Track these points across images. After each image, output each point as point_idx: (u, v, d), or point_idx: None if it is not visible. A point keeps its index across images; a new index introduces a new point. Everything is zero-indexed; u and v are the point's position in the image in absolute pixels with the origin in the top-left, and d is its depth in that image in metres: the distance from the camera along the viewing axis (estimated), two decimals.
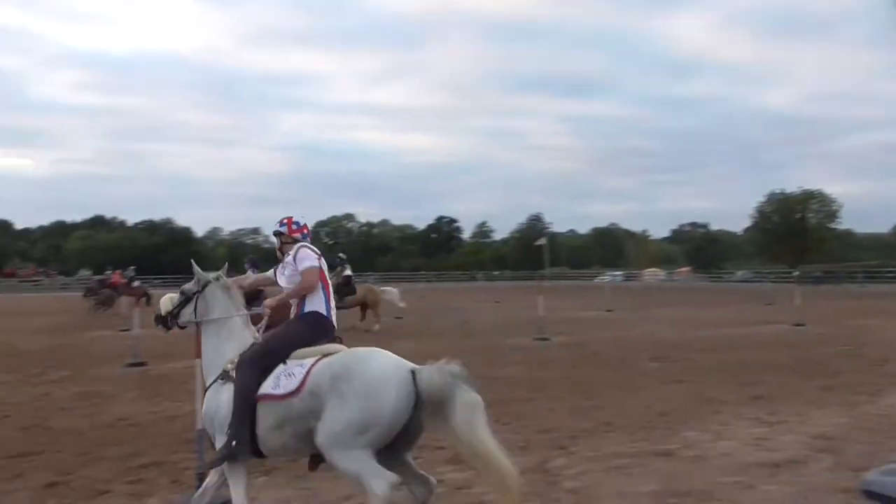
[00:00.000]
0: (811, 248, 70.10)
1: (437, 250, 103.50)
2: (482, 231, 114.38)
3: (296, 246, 4.58)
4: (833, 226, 73.08)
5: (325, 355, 4.12)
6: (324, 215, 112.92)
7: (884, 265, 65.43)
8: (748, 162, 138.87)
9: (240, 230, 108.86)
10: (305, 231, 4.83)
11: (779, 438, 6.31)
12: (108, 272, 27.01)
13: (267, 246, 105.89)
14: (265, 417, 3.96)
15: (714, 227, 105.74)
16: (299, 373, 3.99)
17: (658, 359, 11.78)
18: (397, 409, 3.85)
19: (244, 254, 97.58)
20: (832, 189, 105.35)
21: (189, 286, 4.63)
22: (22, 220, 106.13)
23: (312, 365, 4.01)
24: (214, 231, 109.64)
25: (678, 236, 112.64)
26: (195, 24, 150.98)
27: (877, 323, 18.99)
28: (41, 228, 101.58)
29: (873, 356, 11.92)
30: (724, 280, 68.32)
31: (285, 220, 4.80)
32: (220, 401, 4.10)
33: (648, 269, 79.68)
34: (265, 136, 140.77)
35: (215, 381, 4.23)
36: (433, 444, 6.04)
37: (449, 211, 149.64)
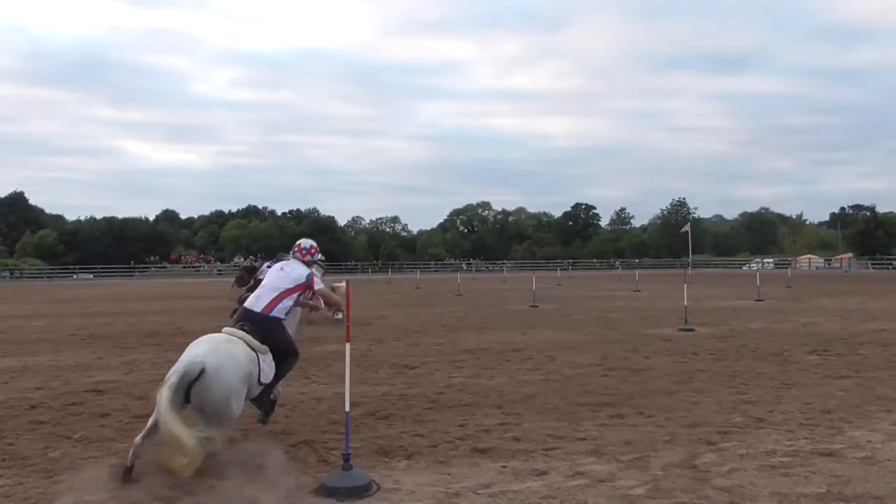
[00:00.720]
0: None
1: (573, 238, 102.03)
2: (621, 217, 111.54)
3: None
4: None
5: None
6: (460, 203, 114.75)
7: None
8: None
9: (379, 219, 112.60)
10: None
11: None
12: (252, 259, 28.59)
13: (404, 234, 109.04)
14: None
15: (881, 209, 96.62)
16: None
17: (818, 352, 10.94)
18: None
19: (383, 241, 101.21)
20: None
21: None
22: (185, 211, 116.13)
23: None
24: (356, 220, 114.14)
25: (839, 220, 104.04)
26: (340, 19, 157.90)
27: None
28: (202, 218, 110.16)
29: None
30: (893, 268, 62.40)
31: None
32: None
33: (804, 256, 74.35)
34: (404, 125, 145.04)
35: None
36: (573, 436, 5.97)
37: (587, 197, 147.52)
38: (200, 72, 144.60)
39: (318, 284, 6.21)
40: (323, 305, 6.57)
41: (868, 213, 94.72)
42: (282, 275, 6.02)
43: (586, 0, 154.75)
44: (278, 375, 5.81)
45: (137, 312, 21.50)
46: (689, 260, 72.63)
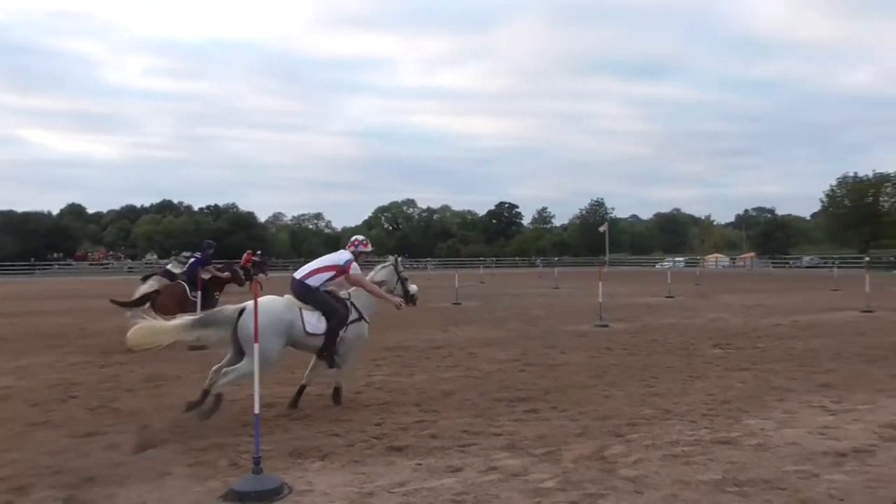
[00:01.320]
0: (884, 233, 67.19)
1: (497, 236, 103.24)
2: (543, 217, 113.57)
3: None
4: None
5: None
6: (385, 200, 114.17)
7: None
8: (822, 145, 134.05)
9: (302, 215, 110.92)
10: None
11: (845, 427, 6.08)
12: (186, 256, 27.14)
13: (328, 231, 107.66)
14: None
15: (781, 211, 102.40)
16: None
17: (721, 346, 11.49)
18: None
19: (306, 238, 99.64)
20: None
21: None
22: (94, 205, 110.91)
23: None
24: (277, 216, 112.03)
25: (743, 221, 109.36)
26: (264, 10, 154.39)
27: None
28: (112, 212, 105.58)
29: None
30: (791, 266, 66.12)
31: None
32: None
33: (711, 255, 77.77)
34: (329, 120, 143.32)
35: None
36: (489, 432, 6.07)
37: (510, 196, 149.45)
38: (112, 58, 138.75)
39: (354, 271, 7.43)
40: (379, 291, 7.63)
41: (769, 216, 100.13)
42: (329, 256, 7.64)
43: (512, 2, 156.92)
44: (329, 331, 7.05)
45: (38, 312, 20.39)
46: (606, 258, 74.74)
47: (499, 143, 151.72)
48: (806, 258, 69.95)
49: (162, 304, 12.25)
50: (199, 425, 6.19)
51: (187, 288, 13.10)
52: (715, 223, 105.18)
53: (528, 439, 5.81)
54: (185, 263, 21.87)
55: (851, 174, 71.22)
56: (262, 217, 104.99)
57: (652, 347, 11.43)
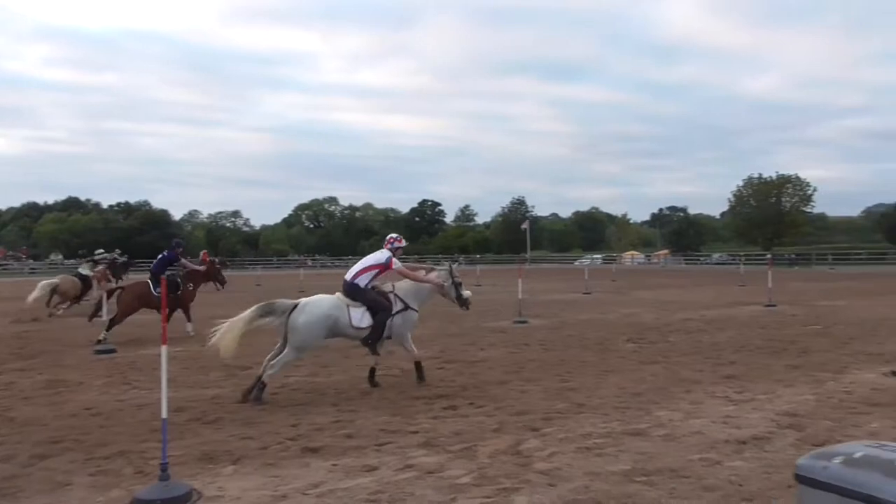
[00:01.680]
0: (786, 232, 71.02)
1: (420, 234, 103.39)
2: (465, 214, 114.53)
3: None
4: (807, 210, 73.97)
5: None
6: (306, 198, 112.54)
7: (853, 247, 66.49)
8: (729, 147, 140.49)
9: (219, 213, 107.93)
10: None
11: (746, 416, 6.38)
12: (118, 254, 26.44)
13: (246, 229, 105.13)
14: None
15: (692, 211, 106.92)
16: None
17: (635, 340, 11.86)
18: None
19: (223, 237, 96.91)
20: (807, 174, 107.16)
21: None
22: None
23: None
24: (193, 214, 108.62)
25: (658, 220, 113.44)
26: (178, 1, 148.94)
27: (845, 303, 19.31)
28: (11, 210, 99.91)
29: (840, 335, 12.10)
30: (701, 263, 69.00)
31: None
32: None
33: (628, 253, 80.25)
34: (247, 116, 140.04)
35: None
36: (406, 430, 6.06)
37: (433, 194, 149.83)
38: (8, 47, 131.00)
39: (396, 265, 8.31)
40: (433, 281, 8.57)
41: (682, 215, 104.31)
42: (371, 256, 8.41)
43: (432, 1, 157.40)
44: (376, 324, 7.94)
45: None
46: (528, 256, 75.99)
47: (421, 142, 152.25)
48: (715, 255, 73.19)
49: (124, 300, 12.78)
50: (102, 432, 5.92)
51: (150, 284, 13.13)
52: (631, 222, 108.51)
53: (445, 436, 5.84)
54: (96, 264, 21.12)
55: (756, 175, 74.96)
56: (177, 215, 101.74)
57: (568, 343, 11.69)
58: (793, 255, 64.04)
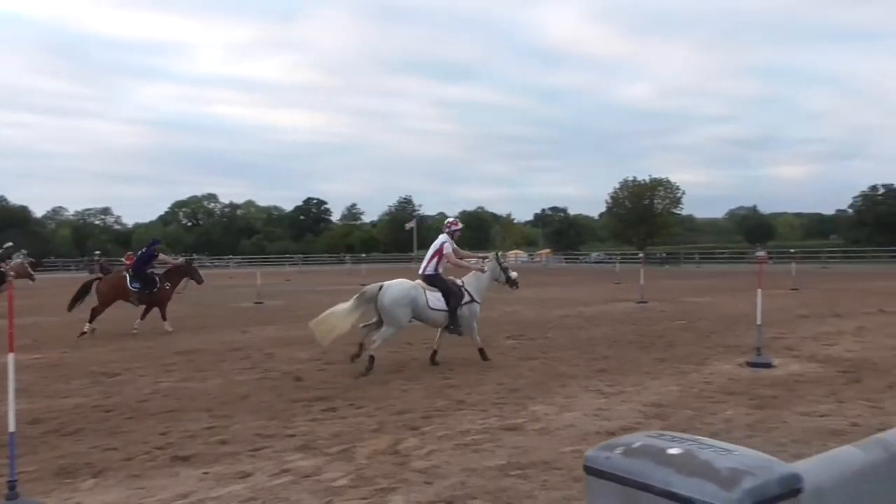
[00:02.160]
0: (657, 232, 75.19)
1: (305, 232, 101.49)
2: (352, 213, 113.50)
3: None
4: (676, 211, 78.61)
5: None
6: (183, 195, 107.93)
7: (718, 247, 71.45)
8: (608, 151, 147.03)
9: (87, 210, 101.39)
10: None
11: (616, 408, 6.69)
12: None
13: (117, 227, 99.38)
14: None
15: (573, 211, 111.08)
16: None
17: (515, 337, 12.17)
18: None
19: (90, 235, 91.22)
20: (677, 177, 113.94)
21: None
22: None
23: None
24: (57, 211, 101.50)
25: (541, 220, 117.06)
26: None
27: (708, 300, 20.70)
28: None
29: (703, 329, 12.96)
30: (580, 261, 71.87)
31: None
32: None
33: (512, 252, 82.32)
34: (119, 107, 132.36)
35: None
36: (283, 433, 5.93)
37: (319, 192, 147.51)
38: None
39: (446, 249, 9.42)
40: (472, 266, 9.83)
41: (563, 215, 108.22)
42: (433, 244, 9.65)
43: None
44: (450, 307, 9.13)
45: None
46: (414, 254, 76.36)
47: (306, 138, 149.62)
48: (594, 254, 76.41)
49: (101, 290, 13.94)
50: None
51: (128, 278, 14.08)
52: (515, 221, 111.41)
53: (324, 438, 5.75)
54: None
55: (631, 178, 78.86)
56: (39, 212, 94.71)
57: (450, 340, 11.80)
58: (664, 255, 68.01)
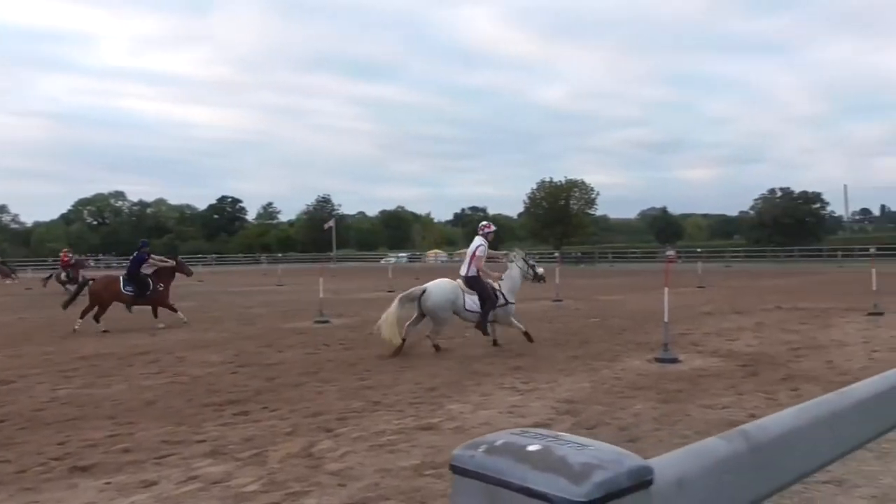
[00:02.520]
0: (573, 232, 77.13)
1: (219, 231, 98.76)
2: (268, 212, 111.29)
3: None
4: (591, 212, 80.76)
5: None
6: (88, 192, 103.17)
7: (630, 247, 74.09)
8: (525, 151, 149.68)
9: None
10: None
11: (530, 405, 6.81)
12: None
13: (15, 226, 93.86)
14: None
15: (492, 211, 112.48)
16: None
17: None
18: None
19: None
20: (592, 179, 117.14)
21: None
22: None
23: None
24: None
25: (460, 220, 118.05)
26: None
27: (621, 297, 21.40)
28: None
29: (615, 326, 13.37)
30: (500, 261, 72.79)
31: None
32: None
33: (432, 251, 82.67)
34: (15, 98, 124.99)
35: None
36: (192, 439, 5.74)
37: (233, 190, 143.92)
38: None
39: (480, 253, 10.34)
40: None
41: (482, 214, 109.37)
42: (470, 246, 10.40)
43: None
44: (483, 310, 10.00)
45: None
46: (333, 254, 75.57)
47: (218, 135, 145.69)
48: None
49: (94, 290, 14.41)
50: None
51: (122, 281, 14.57)
52: (435, 221, 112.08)
53: (235, 443, 5.60)
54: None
55: (548, 179, 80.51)
56: None
57: (368, 341, 11.73)
58: (579, 254, 69.82)
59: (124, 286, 14.55)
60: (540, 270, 11.07)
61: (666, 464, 0.80)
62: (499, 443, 0.69)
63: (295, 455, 5.27)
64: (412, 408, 6.77)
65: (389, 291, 24.79)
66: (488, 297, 10.06)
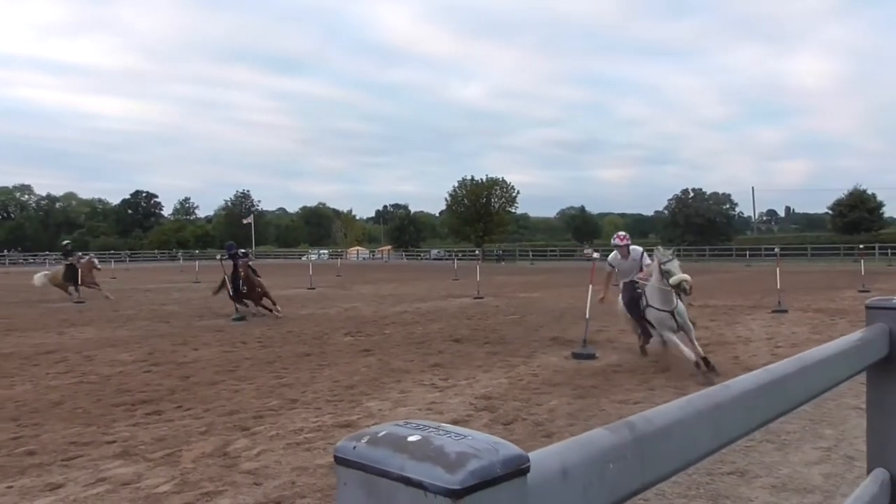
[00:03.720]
0: (494, 230, 78.09)
1: (133, 227, 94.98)
2: (185, 207, 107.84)
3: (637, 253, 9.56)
4: (512, 210, 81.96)
5: None
6: None
7: (549, 245, 75.72)
8: (445, 149, 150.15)
9: None
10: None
11: (448, 401, 6.93)
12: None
13: None
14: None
15: (413, 208, 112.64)
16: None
17: (352, 334, 12.19)
18: None
19: None
20: (512, 177, 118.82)
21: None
22: None
23: None
24: None
25: (382, 216, 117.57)
26: None
27: (539, 295, 21.86)
28: None
29: (533, 323, 13.68)
30: (421, 258, 73.10)
31: (626, 238, 9.69)
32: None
33: (353, 248, 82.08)
34: None
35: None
36: (101, 440, 5.58)
37: (148, 185, 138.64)
38: None
39: (646, 261, 9.40)
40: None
41: (404, 212, 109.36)
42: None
43: None
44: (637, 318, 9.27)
45: None
46: (252, 250, 73.96)
47: (129, 127, 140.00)
48: (434, 251, 78.05)
49: None
50: None
51: None
52: (357, 217, 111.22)
53: (146, 443, 5.48)
54: None
55: (469, 177, 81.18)
56: None
57: (287, 339, 11.64)
58: (500, 251, 70.80)
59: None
60: (678, 278, 8.32)
61: (551, 453, 0.87)
62: (381, 434, 0.75)
63: (209, 455, 5.20)
64: (330, 405, 6.78)
65: (310, 288, 24.55)
66: (637, 305, 9.08)
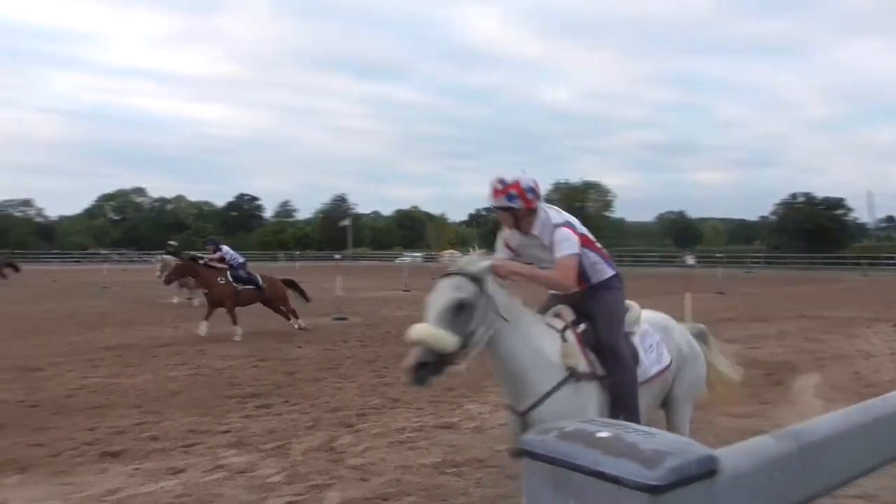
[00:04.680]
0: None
1: (237, 228, 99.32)
2: (285, 210, 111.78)
3: (548, 222, 3.79)
4: (608, 214, 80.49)
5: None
6: (110, 188, 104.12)
7: (648, 251, 73.81)
8: (532, 152, 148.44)
9: (7, 201, 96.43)
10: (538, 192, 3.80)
11: None
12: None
13: (40, 220, 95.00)
14: (644, 396, 3.68)
15: None
16: (658, 344, 3.98)
17: None
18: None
19: (11, 227, 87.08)
20: (607, 181, 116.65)
21: (465, 292, 3.19)
22: None
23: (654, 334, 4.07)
24: None
25: (475, 220, 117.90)
26: None
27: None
28: None
29: None
30: None
31: (513, 190, 3.65)
32: (584, 405, 3.36)
33: (446, 251, 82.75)
34: (33, 95, 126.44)
35: (563, 383, 3.38)
36: (216, 430, 5.87)
37: (249, 188, 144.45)
38: None
39: None
40: None
41: (495, 216, 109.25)
42: None
43: None
44: None
45: None
46: (350, 252, 75.91)
47: (232, 133, 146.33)
48: None
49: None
50: None
51: None
52: (449, 221, 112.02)
53: (258, 435, 5.73)
54: None
55: (563, 181, 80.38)
56: None
57: (385, 339, 11.86)
58: None
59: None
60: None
61: (721, 458, 0.87)
62: (569, 429, 0.77)
63: (316, 449, 5.38)
64: (431, 406, 6.86)
65: (405, 290, 24.92)
66: None
